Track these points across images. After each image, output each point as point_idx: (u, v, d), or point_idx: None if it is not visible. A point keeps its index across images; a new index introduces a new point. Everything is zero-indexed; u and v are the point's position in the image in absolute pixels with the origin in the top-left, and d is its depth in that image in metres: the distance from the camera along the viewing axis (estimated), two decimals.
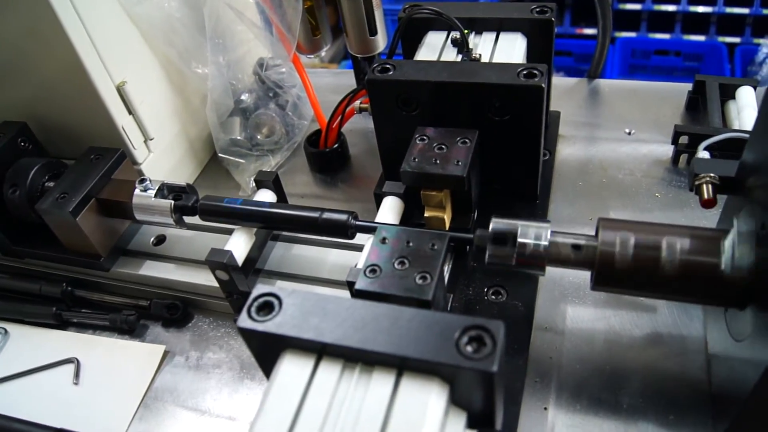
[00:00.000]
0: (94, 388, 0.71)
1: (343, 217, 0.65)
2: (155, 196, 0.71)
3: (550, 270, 0.57)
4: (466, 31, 0.74)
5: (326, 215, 0.65)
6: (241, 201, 0.69)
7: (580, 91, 1.00)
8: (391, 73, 0.68)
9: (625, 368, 0.63)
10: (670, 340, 0.64)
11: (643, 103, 0.95)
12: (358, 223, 0.64)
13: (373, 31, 0.87)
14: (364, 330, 0.43)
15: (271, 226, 0.71)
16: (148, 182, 0.72)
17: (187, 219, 0.72)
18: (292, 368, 0.44)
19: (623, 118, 0.93)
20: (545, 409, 0.61)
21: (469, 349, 0.40)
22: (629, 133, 0.90)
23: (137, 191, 0.71)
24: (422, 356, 0.41)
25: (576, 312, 0.68)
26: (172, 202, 0.70)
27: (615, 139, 0.89)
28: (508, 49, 0.74)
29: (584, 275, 0.70)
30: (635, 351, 0.64)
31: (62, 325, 0.78)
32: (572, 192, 0.82)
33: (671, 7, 2.46)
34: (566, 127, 0.92)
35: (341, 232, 0.65)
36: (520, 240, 0.56)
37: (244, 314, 0.45)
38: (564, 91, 1.00)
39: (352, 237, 0.66)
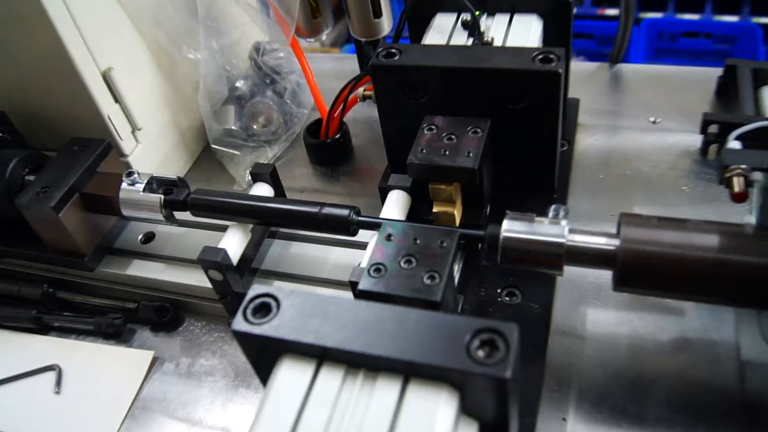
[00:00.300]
0: (77, 397, 0.71)
1: (345, 212, 0.65)
2: (144, 190, 0.71)
3: (568, 270, 0.57)
4: (477, 13, 0.74)
5: (326, 210, 0.65)
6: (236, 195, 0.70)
7: (602, 77, 0.99)
8: (396, 58, 0.68)
9: (651, 375, 0.63)
10: (700, 346, 0.64)
11: (669, 90, 0.94)
12: (360, 218, 0.65)
13: (378, 13, 0.87)
14: (368, 333, 0.43)
15: (267, 222, 0.71)
16: (136, 175, 0.72)
17: (178, 215, 0.73)
18: (290, 375, 0.44)
19: (648, 106, 0.92)
20: (564, 419, 0.61)
21: (480, 353, 0.41)
22: (654, 122, 0.90)
23: (124, 185, 0.72)
24: (430, 361, 0.41)
25: (597, 315, 0.68)
26: (162, 196, 0.70)
27: (639, 129, 0.89)
28: (523, 32, 0.74)
29: (605, 275, 0.70)
30: (662, 357, 0.64)
31: (43, 329, 0.79)
32: (592, 186, 0.82)
33: None
34: (586, 115, 0.92)
35: (342, 228, 0.65)
36: (535, 238, 0.56)
37: (239, 316, 0.45)
38: (584, 76, 0.99)
39: (354, 234, 0.66)
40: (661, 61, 2.38)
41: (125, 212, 0.73)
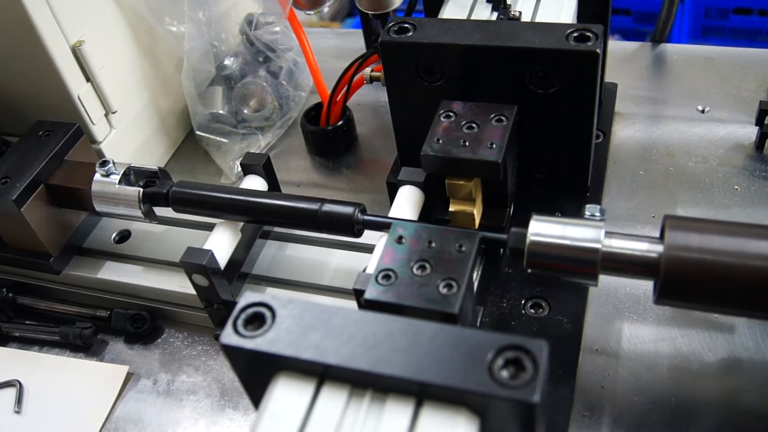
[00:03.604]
0: (40, 417, 0.71)
1: (349, 209, 0.65)
2: (120, 182, 0.71)
3: (602, 279, 0.57)
4: None
5: (328, 207, 0.65)
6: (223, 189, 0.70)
7: (642, 59, 0.99)
8: (410, 34, 0.68)
9: (696, 401, 0.63)
10: (751, 368, 0.64)
11: (720, 74, 0.94)
12: (366, 218, 0.65)
13: None
14: (375, 349, 0.43)
15: (260, 220, 0.71)
16: (110, 165, 0.72)
17: (158, 211, 0.73)
18: (287, 395, 0.44)
19: (695, 93, 0.92)
20: None
21: (504, 374, 0.41)
22: (702, 111, 0.90)
23: (98, 176, 0.72)
24: (447, 382, 0.41)
25: (634, 331, 0.68)
26: (141, 189, 0.70)
27: (684, 118, 0.89)
28: (555, 6, 0.74)
29: (644, 285, 0.71)
30: (707, 380, 0.64)
31: (1, 340, 0.79)
32: (631, 183, 0.82)
33: None
34: (624, 102, 0.92)
35: (346, 228, 0.65)
36: (567, 243, 0.56)
37: (228, 328, 0.45)
38: (621, 58, 0.99)
39: (359, 235, 0.66)
40: (708, 41, 2.37)
41: (98, 207, 0.72)
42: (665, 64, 0.98)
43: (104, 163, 0.72)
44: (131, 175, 0.72)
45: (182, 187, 0.71)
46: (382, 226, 0.63)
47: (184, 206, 0.71)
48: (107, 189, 0.71)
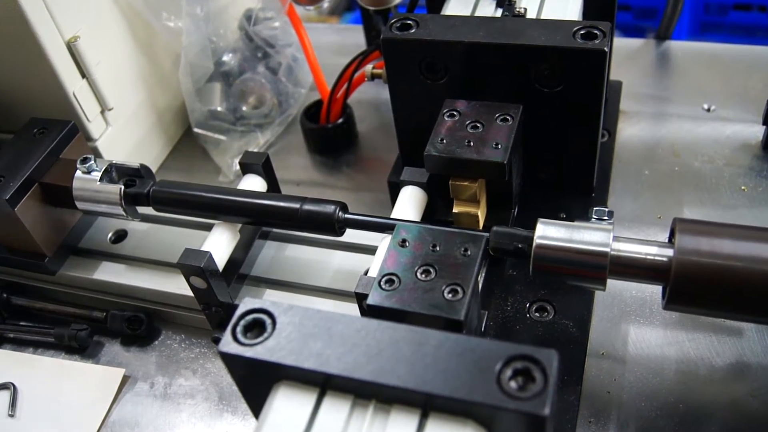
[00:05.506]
0: (35, 420, 0.71)
1: (330, 208, 0.64)
2: (101, 179, 0.70)
3: (609, 282, 0.56)
4: None
5: (308, 206, 0.65)
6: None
7: (646, 56, 0.99)
8: (412, 30, 0.68)
9: (703, 407, 0.62)
10: (760, 373, 0.64)
11: (726, 72, 0.94)
12: (348, 216, 0.64)
13: None
14: (379, 358, 0.42)
15: (241, 220, 0.70)
16: (92, 162, 0.71)
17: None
18: (287, 406, 0.43)
19: (701, 91, 0.92)
20: None
21: (513, 385, 0.40)
22: (708, 110, 0.89)
23: (78, 173, 0.71)
24: (454, 394, 0.40)
25: (641, 335, 0.68)
26: (122, 187, 0.70)
27: (690, 117, 0.89)
28: (561, 2, 0.73)
29: (651, 288, 0.70)
30: (716, 385, 0.63)
31: None
32: (636, 183, 0.81)
33: None
34: (629, 101, 0.92)
35: (327, 227, 0.65)
36: (574, 246, 0.55)
37: (227, 336, 0.44)
38: (625, 55, 0.99)
39: (341, 233, 0.66)
40: (708, 37, 2.37)
41: (80, 205, 0.72)
42: (670, 62, 0.98)
43: (85, 160, 0.71)
44: (113, 173, 0.71)
45: (163, 186, 0.70)
46: (363, 225, 0.63)
47: (164, 205, 0.70)
48: (88, 186, 0.71)
